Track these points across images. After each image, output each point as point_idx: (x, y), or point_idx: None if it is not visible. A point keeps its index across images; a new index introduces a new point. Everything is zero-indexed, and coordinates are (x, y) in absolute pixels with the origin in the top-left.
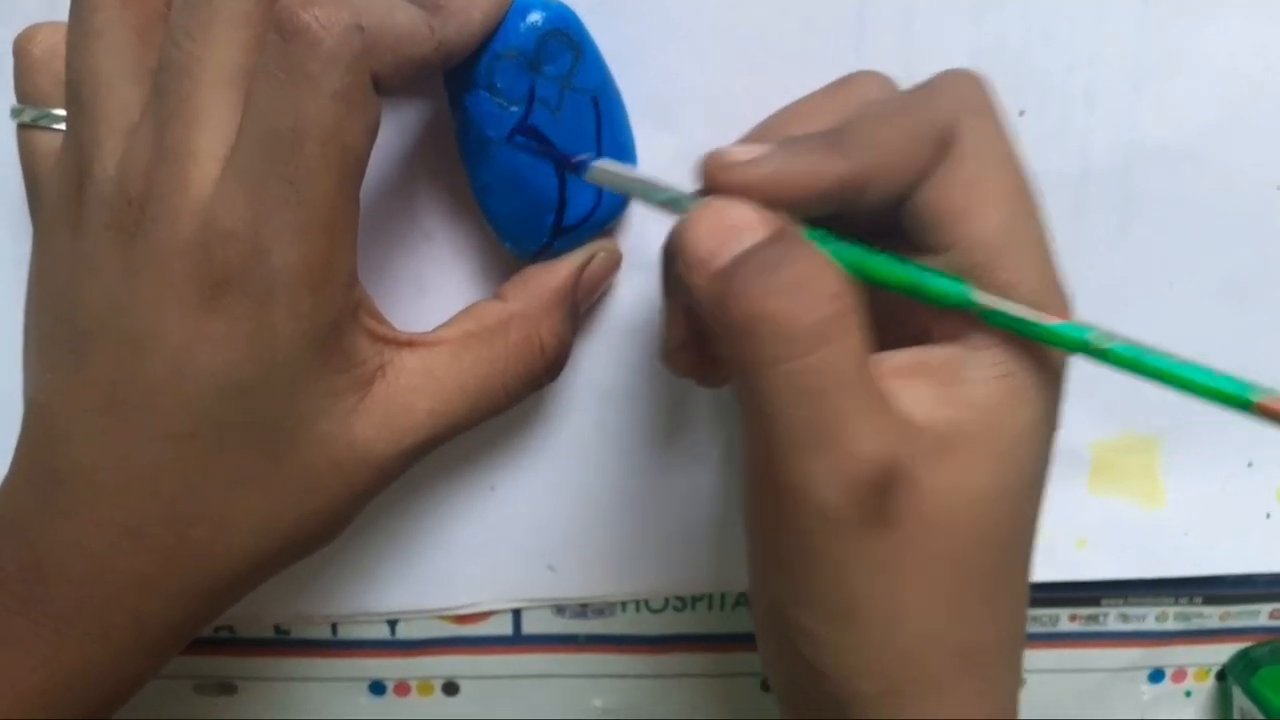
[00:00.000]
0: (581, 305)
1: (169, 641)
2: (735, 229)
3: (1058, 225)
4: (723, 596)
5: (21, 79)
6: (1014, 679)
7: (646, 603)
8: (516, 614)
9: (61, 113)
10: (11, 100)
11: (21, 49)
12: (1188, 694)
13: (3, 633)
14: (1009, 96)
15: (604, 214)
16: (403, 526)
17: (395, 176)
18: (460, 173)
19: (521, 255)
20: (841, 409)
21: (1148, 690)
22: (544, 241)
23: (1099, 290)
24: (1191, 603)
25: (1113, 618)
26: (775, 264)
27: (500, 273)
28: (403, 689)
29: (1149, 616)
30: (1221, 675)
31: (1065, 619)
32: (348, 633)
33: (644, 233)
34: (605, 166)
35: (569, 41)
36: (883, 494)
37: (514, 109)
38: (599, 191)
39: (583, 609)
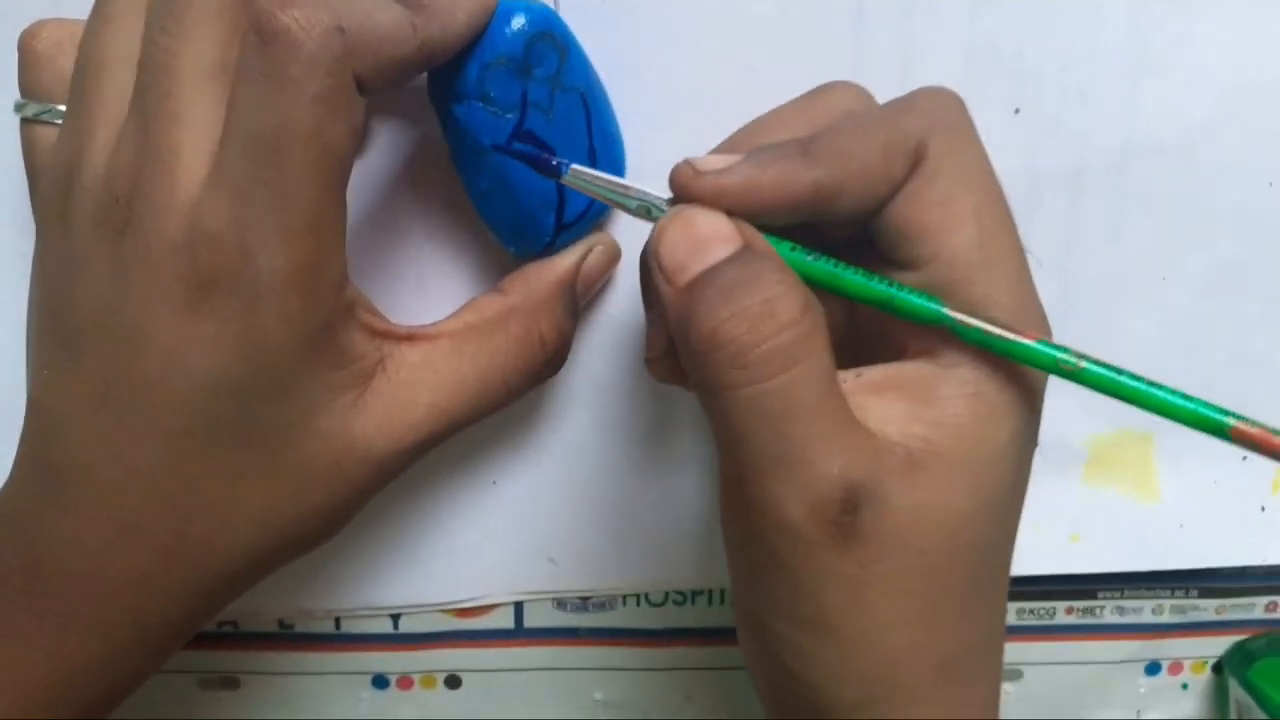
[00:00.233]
0: (581, 299)
1: (169, 638)
2: (704, 240)
3: (1052, 221)
4: (722, 591)
5: (25, 74)
6: (993, 683)
7: (647, 596)
8: (518, 608)
9: (64, 108)
10: (15, 96)
11: (26, 44)
12: (1184, 686)
13: (6, 627)
14: (1004, 94)
15: (600, 206)
16: (405, 521)
17: (396, 178)
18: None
19: (524, 256)
20: (806, 431)
21: (1144, 683)
22: (547, 240)
23: (1093, 285)
24: (1187, 596)
25: (1109, 610)
26: (739, 285)
27: (499, 270)
28: (406, 682)
29: (1145, 609)
30: (1218, 668)
31: (1062, 612)
32: (351, 627)
33: (644, 228)
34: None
35: (555, 42)
36: (850, 512)
37: (509, 116)
38: None
39: (584, 603)
